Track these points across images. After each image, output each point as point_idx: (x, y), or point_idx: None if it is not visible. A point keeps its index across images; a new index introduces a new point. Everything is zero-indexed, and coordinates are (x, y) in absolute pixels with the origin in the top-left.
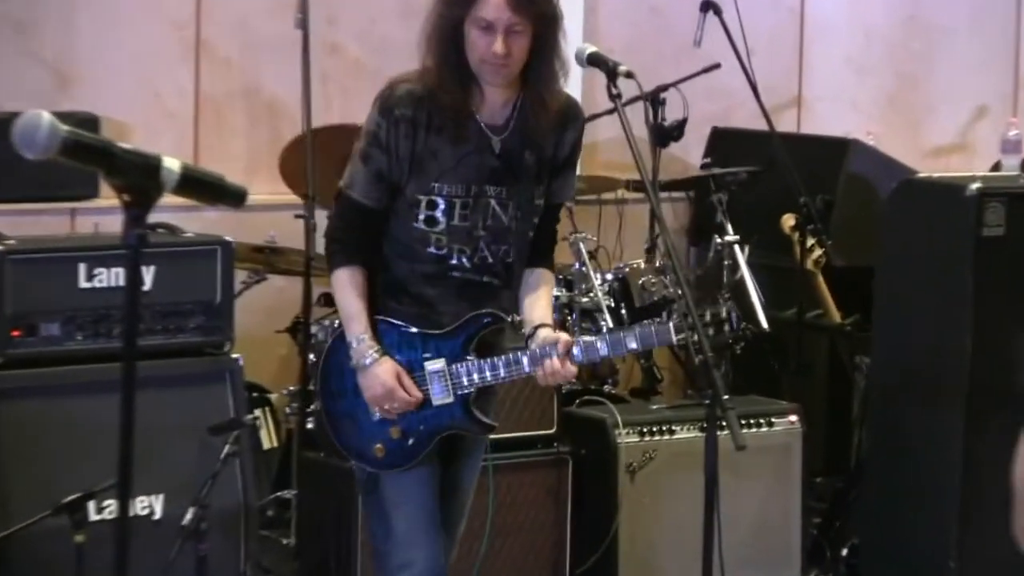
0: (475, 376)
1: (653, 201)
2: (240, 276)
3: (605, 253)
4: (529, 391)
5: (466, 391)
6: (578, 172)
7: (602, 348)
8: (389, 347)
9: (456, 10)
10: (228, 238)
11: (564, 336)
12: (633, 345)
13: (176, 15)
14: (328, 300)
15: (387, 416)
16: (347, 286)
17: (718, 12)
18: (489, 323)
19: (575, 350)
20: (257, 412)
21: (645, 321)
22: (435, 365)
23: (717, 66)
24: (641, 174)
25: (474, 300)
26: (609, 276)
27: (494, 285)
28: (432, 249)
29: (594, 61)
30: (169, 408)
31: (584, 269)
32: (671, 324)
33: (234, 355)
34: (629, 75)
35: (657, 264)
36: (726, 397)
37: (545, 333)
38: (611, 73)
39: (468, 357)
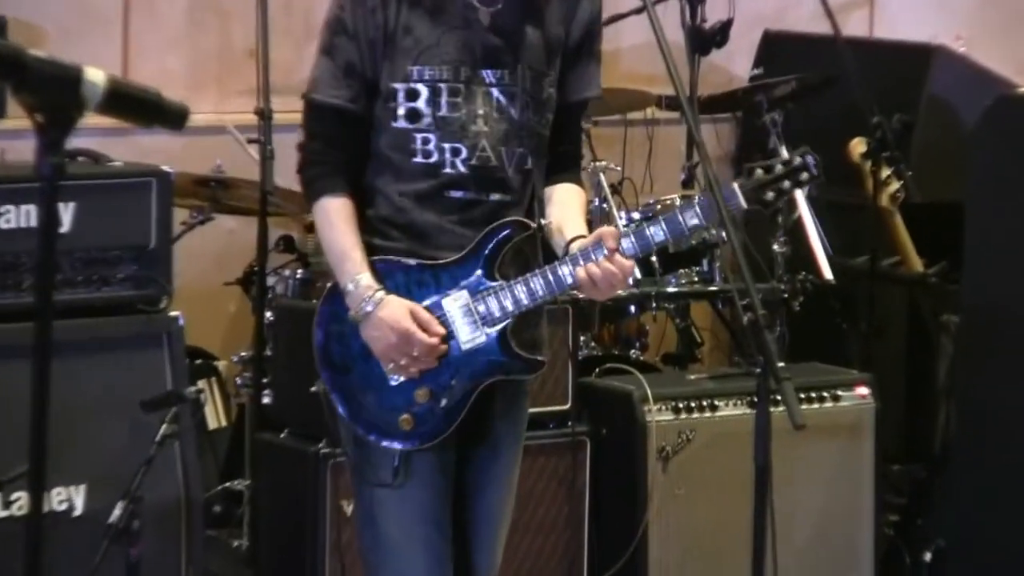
0: (507, 303)
1: (691, 121)
2: (180, 215)
3: (631, 186)
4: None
5: (500, 324)
6: (600, 85)
7: (656, 233)
8: (394, 290)
9: None
10: (165, 168)
11: (607, 230)
12: (694, 221)
13: None
14: (288, 245)
15: (408, 375)
16: (334, 218)
17: None
18: (511, 234)
19: (625, 243)
20: (201, 384)
21: (700, 195)
22: (456, 300)
23: None
24: (676, 88)
25: (481, 226)
26: (637, 215)
27: (505, 203)
28: (419, 157)
29: None
30: (93, 379)
31: (606, 206)
32: (736, 185)
33: (173, 312)
34: None
35: (697, 199)
36: (781, 365)
37: (584, 241)
38: None
39: (494, 282)
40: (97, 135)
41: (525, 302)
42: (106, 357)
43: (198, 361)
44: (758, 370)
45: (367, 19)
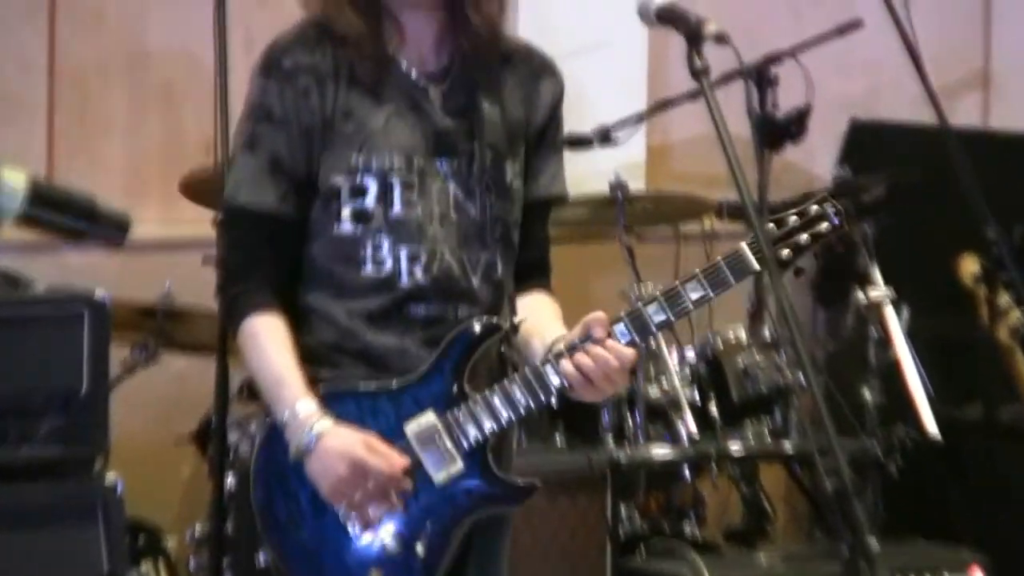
0: (484, 420)
1: (759, 234)
2: (120, 354)
3: (686, 317)
4: (568, 535)
5: (477, 446)
6: (644, 188)
7: (656, 313)
8: (344, 421)
9: None
10: (100, 293)
11: (594, 314)
12: (697, 294)
13: None
14: (253, 391)
15: (368, 519)
16: (264, 339)
17: None
18: (480, 336)
19: (618, 327)
20: (145, 567)
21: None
22: (421, 425)
23: (858, 24)
24: (740, 193)
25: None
26: (691, 353)
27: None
28: (369, 268)
29: (666, 16)
30: (10, 559)
31: (652, 343)
32: (743, 245)
33: (109, 476)
34: (721, 38)
35: (766, 335)
36: (874, 542)
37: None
38: (693, 35)
39: (464, 397)
40: (15, 252)
41: (505, 415)
42: (26, 532)
43: (141, 538)
44: (845, 550)
45: (298, 102)
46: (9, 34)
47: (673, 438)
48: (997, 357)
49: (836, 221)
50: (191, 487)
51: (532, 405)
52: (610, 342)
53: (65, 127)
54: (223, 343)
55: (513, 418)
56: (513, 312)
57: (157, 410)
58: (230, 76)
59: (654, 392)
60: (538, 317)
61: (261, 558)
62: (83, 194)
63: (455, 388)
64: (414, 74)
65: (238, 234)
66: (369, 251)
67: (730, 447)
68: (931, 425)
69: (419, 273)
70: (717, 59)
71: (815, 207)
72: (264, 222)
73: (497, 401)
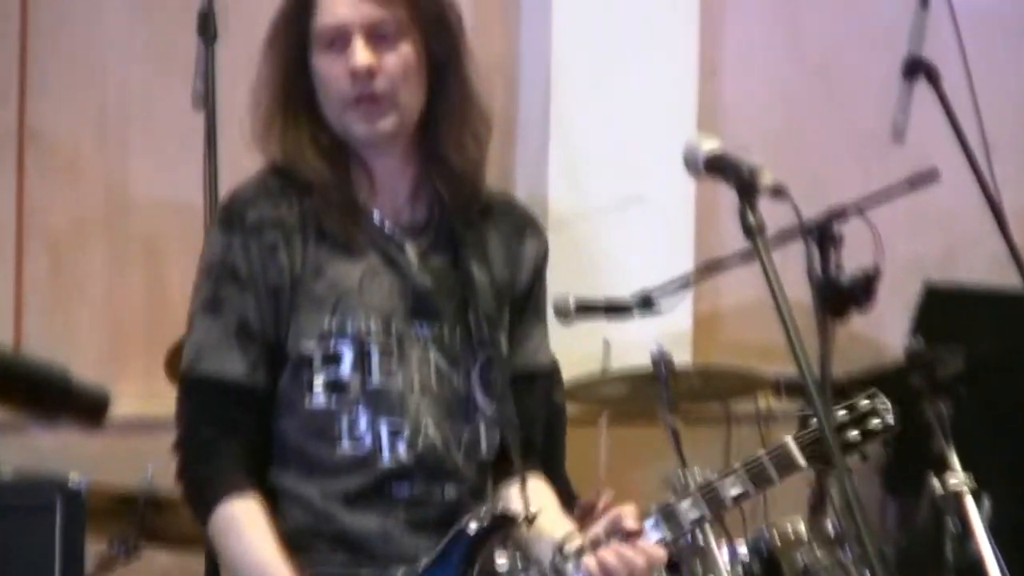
0: None
1: (821, 416)
2: (97, 548)
3: (737, 507)
4: None
5: None
6: (690, 361)
7: (691, 509)
8: None
9: (291, 36)
10: (75, 479)
11: (624, 507)
12: (736, 490)
13: None
14: None
15: None
16: (245, 525)
17: (934, 80)
18: (488, 531)
19: (648, 522)
20: None
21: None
22: None
23: (933, 176)
24: (800, 367)
25: (438, 530)
26: (744, 549)
27: (462, 499)
28: (345, 444)
29: (716, 166)
30: None
31: (699, 536)
32: (789, 439)
33: None
34: (779, 191)
35: (829, 529)
36: None
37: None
38: (746, 188)
39: None
40: None
41: None
42: None
43: None
44: None
45: (265, 260)
46: None
47: None
48: None
49: (889, 420)
50: None
51: None
52: (640, 542)
53: (35, 288)
54: None
55: None
56: (521, 486)
57: None
58: None
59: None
60: (543, 518)
61: None
62: (56, 366)
63: None
64: (388, 227)
65: (203, 407)
66: (345, 426)
67: None
68: None
69: (402, 449)
70: (774, 215)
71: (865, 402)
72: (232, 393)
73: None
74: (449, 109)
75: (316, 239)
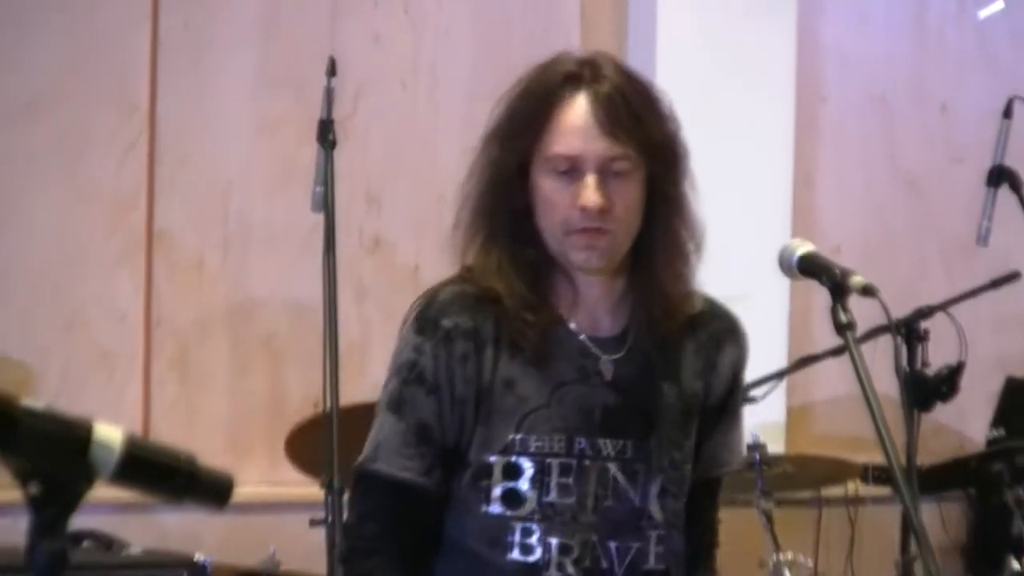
0: None
1: (907, 501)
2: None
3: None
4: None
5: None
6: (784, 450)
7: None
8: None
9: (513, 151)
10: (201, 558)
11: None
12: None
13: (111, 190)
14: None
15: None
16: None
17: (1017, 187)
18: None
19: None
20: None
21: None
22: None
23: (1016, 276)
24: (887, 456)
25: None
26: None
27: None
28: (516, 554)
29: (809, 268)
30: None
31: None
32: None
33: None
34: (868, 291)
35: None
36: None
37: None
38: (838, 288)
39: None
40: (109, 512)
41: None
42: None
43: None
44: None
45: (453, 369)
46: (102, 282)
47: None
48: None
49: None
50: None
51: None
52: None
53: (162, 380)
54: None
55: None
56: None
57: None
58: (340, 327)
59: None
60: None
61: None
62: (182, 452)
63: None
64: (585, 339)
65: (372, 502)
66: (518, 537)
67: None
68: None
69: (569, 566)
70: (864, 313)
71: None
72: (403, 494)
73: None
74: (666, 237)
75: (509, 352)
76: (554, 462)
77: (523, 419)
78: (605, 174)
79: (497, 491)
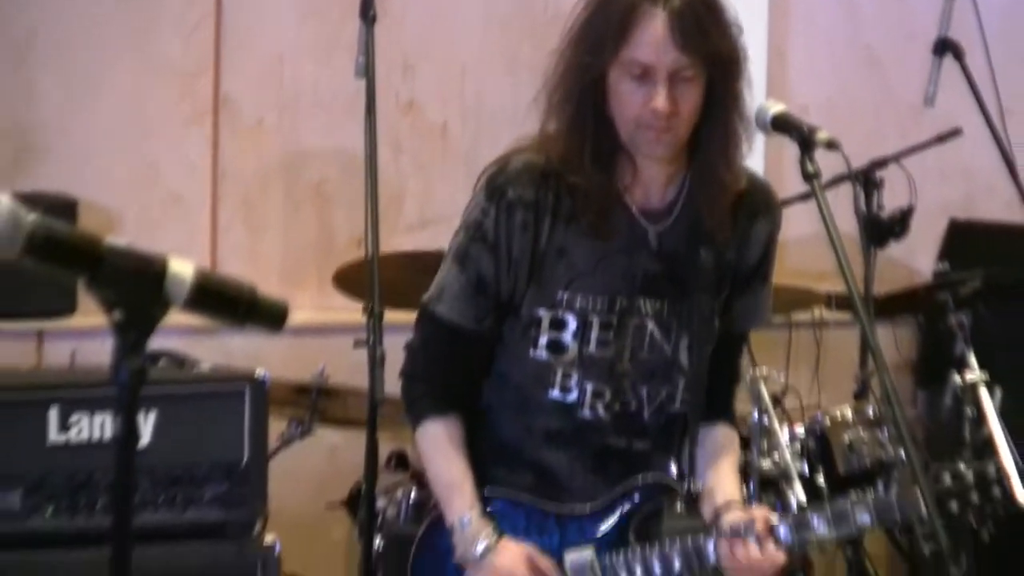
0: (637, 570)
1: (865, 323)
2: (277, 428)
3: (796, 396)
4: None
5: None
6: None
7: (819, 525)
8: (510, 533)
9: (596, 54)
10: (260, 373)
11: (762, 512)
12: (865, 519)
13: (184, 61)
14: (400, 461)
15: None
16: (442, 443)
17: (959, 56)
18: (656, 494)
19: (781, 529)
20: None
21: (879, 490)
22: (580, 555)
23: (957, 132)
24: (848, 285)
25: (616, 474)
26: (801, 430)
27: (647, 452)
28: (556, 392)
29: (781, 125)
30: None
31: (766, 420)
32: (919, 493)
33: (268, 538)
34: (832, 145)
35: (870, 413)
36: None
37: (736, 513)
38: (805, 142)
39: (625, 545)
40: (182, 335)
41: (658, 573)
42: None
43: None
44: None
45: (513, 235)
46: (177, 139)
47: (784, 506)
48: None
49: (1007, 490)
50: (341, 550)
51: (685, 573)
52: (769, 546)
53: (227, 222)
54: (373, 419)
55: None
56: (694, 457)
57: (311, 478)
58: (379, 176)
59: (767, 464)
60: (715, 467)
61: None
62: (244, 283)
63: (619, 534)
64: (637, 212)
65: (429, 338)
66: (559, 378)
67: None
68: (1021, 495)
69: (601, 409)
70: (828, 164)
71: (993, 471)
72: (456, 335)
73: (655, 560)
74: (724, 130)
75: (565, 223)
76: (595, 319)
77: (571, 282)
78: (674, 80)
79: (543, 340)
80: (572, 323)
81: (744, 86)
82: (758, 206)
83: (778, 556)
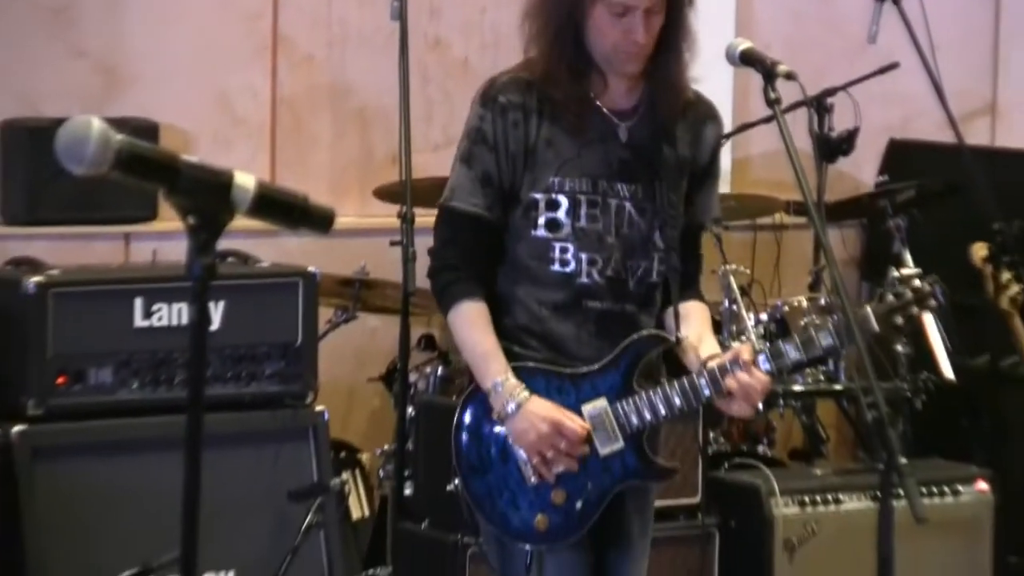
0: (646, 413)
1: (818, 226)
2: (325, 314)
3: (760, 288)
4: (668, 455)
5: (637, 432)
6: (729, 190)
7: (791, 351)
8: (536, 394)
9: None
10: (311, 269)
11: (743, 347)
12: (828, 341)
13: (248, 4)
14: (429, 343)
15: (549, 474)
16: (476, 319)
17: (897, 1)
18: (650, 348)
19: (760, 358)
20: (345, 475)
21: (835, 316)
22: (595, 406)
23: (895, 65)
24: (803, 194)
25: (616, 337)
26: (764, 316)
27: (635, 315)
28: (556, 266)
29: (748, 59)
30: (241, 470)
31: (735, 307)
32: (869, 309)
33: (318, 407)
34: (790, 76)
35: (822, 302)
36: (904, 460)
37: (719, 358)
38: (768, 73)
39: (632, 392)
40: (246, 237)
41: (663, 412)
42: (254, 449)
43: (342, 454)
44: (881, 465)
45: (508, 132)
46: (242, 71)
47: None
48: (1000, 320)
49: (941, 299)
50: (379, 416)
51: (685, 408)
52: (755, 370)
53: (284, 145)
54: (406, 306)
55: (668, 415)
56: (674, 314)
57: (354, 357)
58: (411, 103)
59: (736, 345)
60: (695, 330)
61: (452, 485)
62: (298, 193)
63: (625, 384)
64: (607, 112)
65: (451, 231)
66: (557, 253)
67: (793, 387)
68: (948, 372)
69: (595, 275)
70: (787, 92)
71: (927, 286)
72: (473, 223)
73: (658, 400)
74: (676, 43)
75: (550, 121)
76: (583, 198)
77: (560, 167)
78: (647, 14)
79: (542, 219)
80: (564, 203)
81: (691, 11)
82: (705, 114)
83: (764, 377)
